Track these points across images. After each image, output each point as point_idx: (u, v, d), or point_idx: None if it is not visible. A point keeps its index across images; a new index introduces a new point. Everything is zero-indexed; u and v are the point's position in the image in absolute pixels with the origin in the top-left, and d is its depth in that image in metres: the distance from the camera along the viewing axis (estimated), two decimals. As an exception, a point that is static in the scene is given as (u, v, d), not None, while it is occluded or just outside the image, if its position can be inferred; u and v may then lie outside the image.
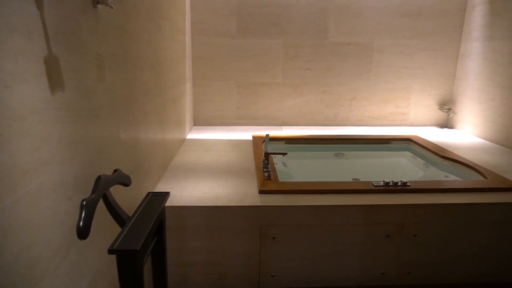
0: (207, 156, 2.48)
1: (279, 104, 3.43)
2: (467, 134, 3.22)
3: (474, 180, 2.05)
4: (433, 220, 1.80)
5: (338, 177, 2.63)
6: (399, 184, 1.92)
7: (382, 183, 1.92)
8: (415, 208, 1.77)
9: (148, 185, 1.79)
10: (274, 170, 2.13)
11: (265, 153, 2.16)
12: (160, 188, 1.92)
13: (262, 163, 2.19)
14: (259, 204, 1.74)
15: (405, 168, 2.82)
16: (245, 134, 3.13)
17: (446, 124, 3.48)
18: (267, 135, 2.21)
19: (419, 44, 3.35)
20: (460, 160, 2.40)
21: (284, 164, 2.67)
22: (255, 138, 2.91)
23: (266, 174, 2.02)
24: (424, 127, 3.49)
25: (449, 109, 3.43)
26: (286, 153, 2.17)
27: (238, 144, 2.81)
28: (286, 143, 2.95)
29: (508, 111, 2.79)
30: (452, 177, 2.37)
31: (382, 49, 3.34)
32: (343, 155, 2.93)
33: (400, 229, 1.80)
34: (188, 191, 1.87)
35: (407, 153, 2.96)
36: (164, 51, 2.15)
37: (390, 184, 1.92)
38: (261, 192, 1.85)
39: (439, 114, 3.52)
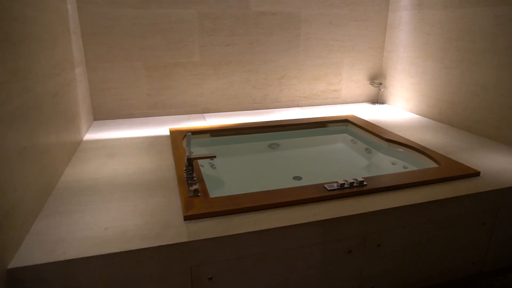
0: (111, 165, 1.89)
1: (198, 88, 2.90)
2: (400, 110, 3.09)
3: (430, 169, 1.82)
4: (397, 225, 1.52)
5: (277, 176, 2.26)
6: (355, 184, 1.59)
7: (336, 186, 1.58)
8: (379, 215, 1.46)
9: (16, 235, 1.18)
10: (201, 180, 1.66)
11: (187, 158, 1.66)
12: (38, 231, 1.31)
13: (185, 171, 1.69)
14: (185, 238, 1.26)
15: (348, 157, 2.56)
16: (161, 128, 2.56)
17: (377, 99, 3.32)
18: (189, 134, 1.71)
19: (348, 14, 3.06)
20: (405, 142, 2.19)
21: (212, 166, 2.21)
22: (173, 133, 2.37)
23: (191, 188, 1.53)
24: (356, 104, 3.28)
25: (380, 84, 3.26)
26: (214, 156, 1.70)
27: (152, 143, 2.25)
28: (211, 135, 2.47)
29: (441, 84, 2.67)
30: (400, 163, 2.15)
31: (310, 19, 2.98)
32: (278, 146, 2.56)
33: (363, 241, 1.49)
34: (81, 229, 1.31)
35: (346, 136, 2.70)
36: (28, 24, 1.47)
37: (346, 185, 1.58)
38: (187, 218, 1.37)
39: (370, 89, 3.34)
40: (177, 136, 2.29)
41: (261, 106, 3.09)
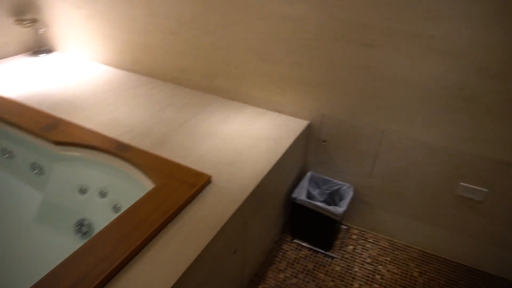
0: None
1: None
2: (81, 60, 2.05)
3: (139, 206, 1.02)
4: None
5: None
6: None
7: None
8: None
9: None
10: None
11: None
12: None
13: None
14: None
15: (11, 192, 1.39)
16: None
17: (41, 46, 2.11)
18: None
19: None
20: (86, 142, 1.28)
21: None
22: None
23: None
24: (3, 61, 1.97)
25: (34, 21, 2.02)
26: None
27: None
28: None
29: (124, 18, 1.79)
30: (95, 186, 1.25)
31: None
32: None
33: None
34: None
35: None
36: None
37: None
38: None
39: (21, 33, 2.05)
40: None
41: None
